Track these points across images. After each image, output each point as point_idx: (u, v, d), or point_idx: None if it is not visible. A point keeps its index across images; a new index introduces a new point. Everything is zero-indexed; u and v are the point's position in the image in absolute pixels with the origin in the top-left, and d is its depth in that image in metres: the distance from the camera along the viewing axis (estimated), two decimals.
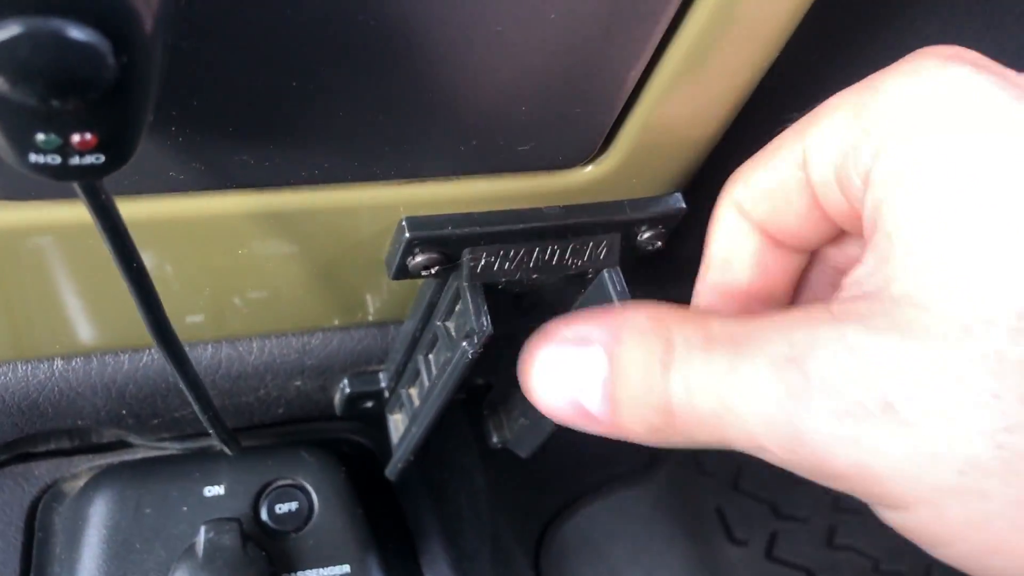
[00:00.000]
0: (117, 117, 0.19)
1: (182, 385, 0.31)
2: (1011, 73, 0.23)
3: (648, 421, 0.25)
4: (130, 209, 0.25)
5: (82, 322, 0.35)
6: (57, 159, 0.20)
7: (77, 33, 0.17)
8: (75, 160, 0.20)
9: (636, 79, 0.28)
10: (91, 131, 0.19)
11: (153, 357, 0.38)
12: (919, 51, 0.24)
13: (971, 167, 0.22)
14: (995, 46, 0.37)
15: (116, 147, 0.20)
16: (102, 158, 0.20)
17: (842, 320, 0.23)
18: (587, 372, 0.26)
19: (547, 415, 0.28)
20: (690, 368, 0.24)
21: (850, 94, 0.25)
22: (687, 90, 0.29)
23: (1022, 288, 0.21)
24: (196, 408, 0.33)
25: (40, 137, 0.19)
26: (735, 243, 0.30)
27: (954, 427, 0.21)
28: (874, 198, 0.24)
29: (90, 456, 0.48)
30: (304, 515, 0.45)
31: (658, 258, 0.38)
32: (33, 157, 0.19)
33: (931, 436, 0.21)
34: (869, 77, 0.25)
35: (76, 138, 0.19)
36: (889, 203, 0.23)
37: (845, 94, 0.25)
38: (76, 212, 0.28)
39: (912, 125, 0.23)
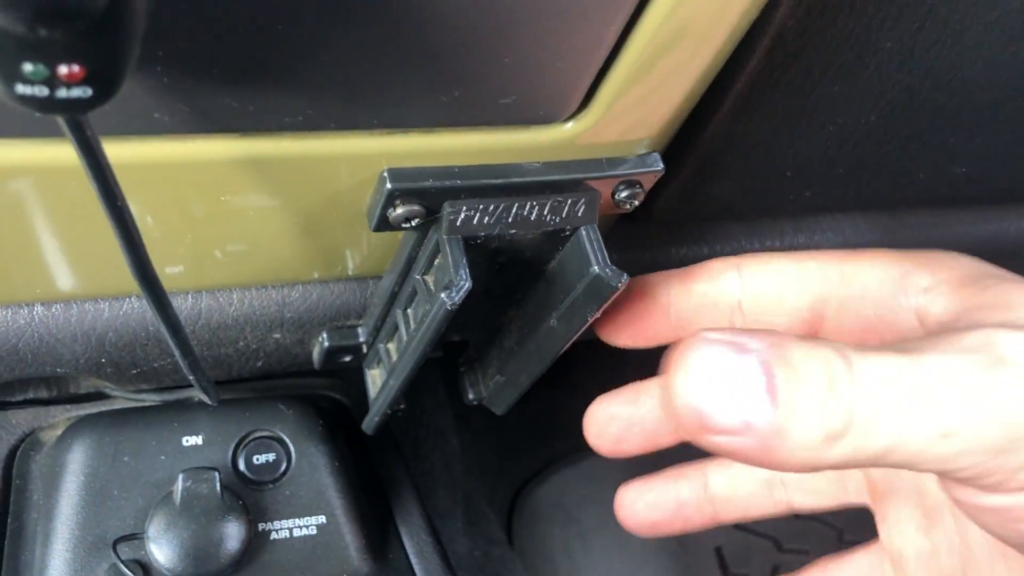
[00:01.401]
0: (104, 48, 0.19)
1: (163, 328, 0.31)
2: None
3: (827, 425, 0.24)
4: (114, 150, 0.25)
5: (63, 268, 0.35)
6: (44, 90, 0.20)
7: None
8: (62, 92, 0.20)
9: (617, 34, 0.28)
10: (79, 62, 0.19)
11: (133, 306, 0.39)
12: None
13: None
14: None
15: (103, 80, 0.20)
16: (89, 91, 0.20)
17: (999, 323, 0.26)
18: (749, 381, 0.25)
19: (697, 429, 0.26)
20: (871, 364, 0.25)
21: None
22: (667, 49, 0.29)
23: None
24: (177, 354, 0.33)
25: (27, 67, 0.19)
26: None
27: None
28: None
29: (68, 406, 0.49)
30: (281, 466, 0.46)
31: (635, 217, 0.39)
32: (20, 88, 0.20)
33: None
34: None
35: (63, 69, 0.19)
36: None
37: None
38: (58, 151, 0.28)
39: None
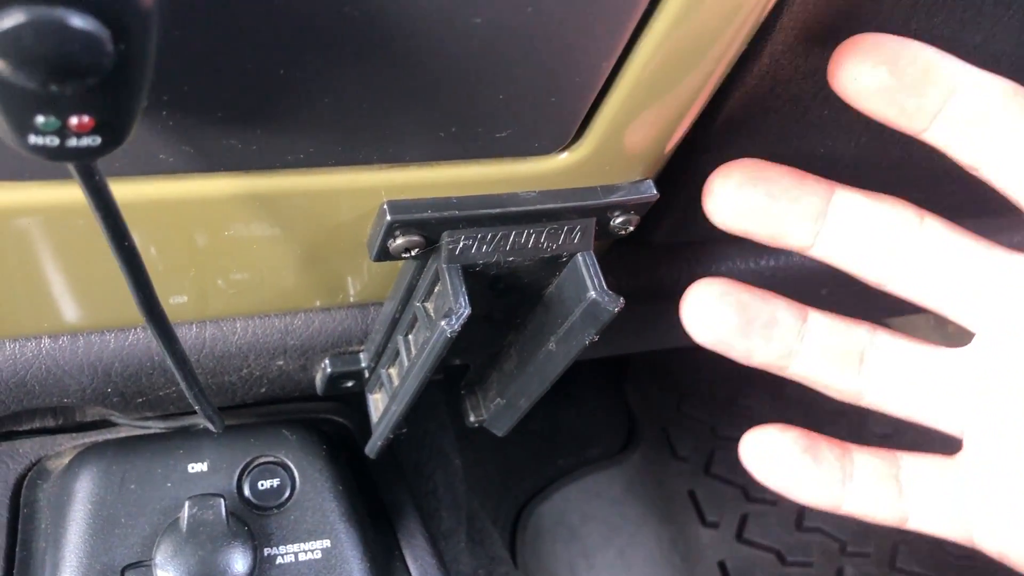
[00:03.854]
0: (114, 100, 0.20)
1: (170, 362, 0.32)
2: None
3: None
4: (121, 190, 0.26)
5: (69, 301, 0.36)
6: (55, 140, 0.21)
7: (78, 21, 0.18)
8: (72, 142, 0.21)
9: (609, 70, 0.29)
10: (88, 114, 0.20)
11: (139, 336, 0.39)
12: None
13: None
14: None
15: (112, 129, 0.21)
16: (98, 139, 0.21)
17: None
18: None
19: None
20: None
21: None
22: (658, 81, 0.30)
23: None
24: (183, 385, 0.34)
25: (40, 119, 0.20)
26: None
27: None
28: None
29: (74, 434, 0.49)
30: (286, 491, 0.46)
31: (630, 240, 0.39)
32: (32, 139, 0.20)
33: None
34: None
35: (74, 120, 0.20)
36: None
37: None
38: (67, 193, 0.29)
39: None
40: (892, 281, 0.37)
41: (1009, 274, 0.36)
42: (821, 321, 0.38)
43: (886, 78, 0.33)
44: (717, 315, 0.37)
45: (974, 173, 0.36)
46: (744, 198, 0.36)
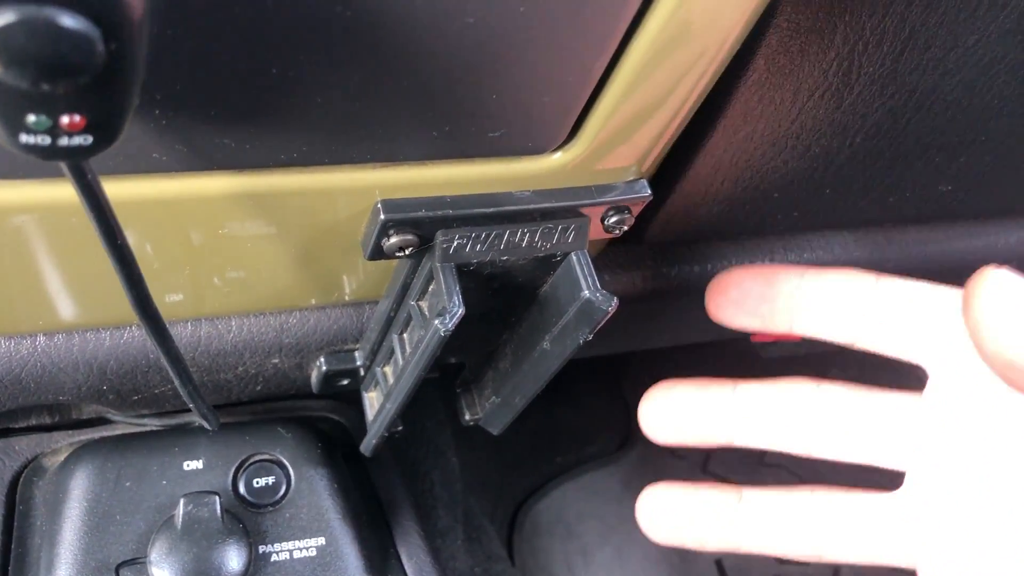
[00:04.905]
0: (105, 99, 0.20)
1: (164, 360, 0.32)
2: None
3: None
4: (114, 189, 0.26)
5: (64, 299, 0.36)
6: (47, 140, 0.21)
7: (69, 21, 0.18)
8: (64, 141, 0.21)
9: (602, 70, 0.29)
10: (80, 113, 0.20)
11: (134, 334, 0.39)
12: None
13: None
14: None
15: (103, 128, 0.21)
16: (90, 139, 0.21)
17: None
18: None
19: None
20: None
21: None
22: (651, 81, 0.30)
23: None
24: (177, 383, 0.34)
25: (31, 118, 0.20)
26: None
27: None
28: None
29: (70, 432, 0.49)
30: (281, 489, 0.47)
31: (625, 239, 0.39)
32: (24, 138, 0.20)
33: None
34: None
35: (65, 120, 0.20)
36: None
37: None
38: (60, 191, 0.29)
39: None
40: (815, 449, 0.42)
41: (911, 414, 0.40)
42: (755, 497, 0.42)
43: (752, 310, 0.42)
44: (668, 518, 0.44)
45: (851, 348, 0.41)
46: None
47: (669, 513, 0.43)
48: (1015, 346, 0.33)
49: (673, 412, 0.43)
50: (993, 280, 0.34)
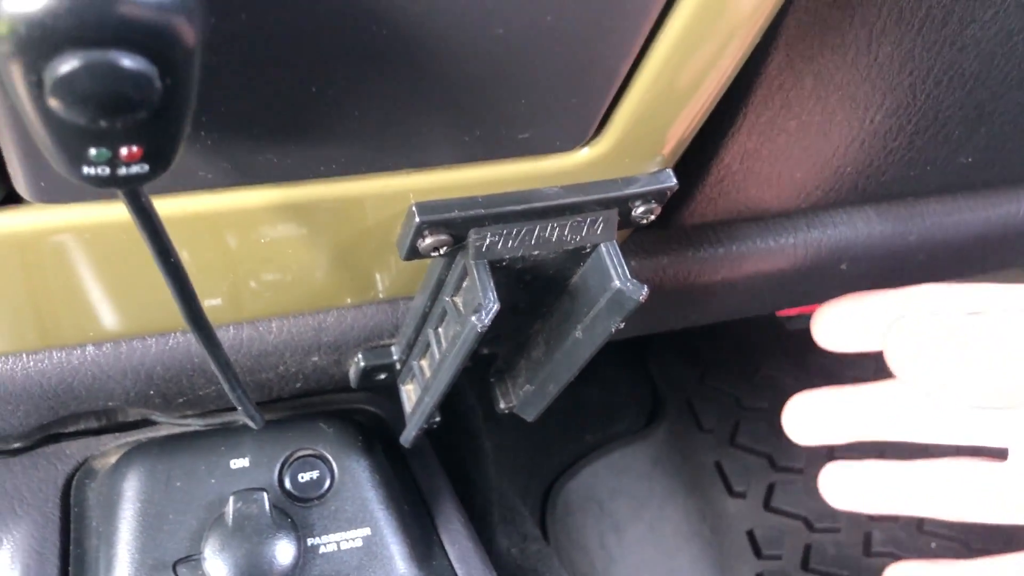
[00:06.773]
0: (161, 130, 0.21)
1: (214, 367, 0.33)
2: None
3: None
4: (164, 206, 0.27)
5: (112, 310, 0.37)
6: (107, 170, 0.22)
7: (128, 62, 0.19)
8: (123, 171, 0.22)
9: (627, 69, 0.30)
10: (137, 144, 0.21)
11: (179, 340, 0.41)
12: None
13: None
14: None
15: (159, 156, 0.22)
16: (146, 167, 0.22)
17: None
18: None
19: None
20: None
21: None
22: (675, 77, 0.31)
23: None
24: (226, 387, 0.35)
25: (92, 152, 0.21)
26: None
27: None
28: None
29: (117, 434, 0.51)
30: (325, 483, 0.48)
31: (651, 225, 0.40)
32: (86, 169, 0.21)
33: None
34: None
35: (124, 151, 0.21)
36: None
37: None
38: (113, 212, 0.30)
39: None
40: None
41: None
42: None
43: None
44: None
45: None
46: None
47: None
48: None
49: (811, 416, 0.48)
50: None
